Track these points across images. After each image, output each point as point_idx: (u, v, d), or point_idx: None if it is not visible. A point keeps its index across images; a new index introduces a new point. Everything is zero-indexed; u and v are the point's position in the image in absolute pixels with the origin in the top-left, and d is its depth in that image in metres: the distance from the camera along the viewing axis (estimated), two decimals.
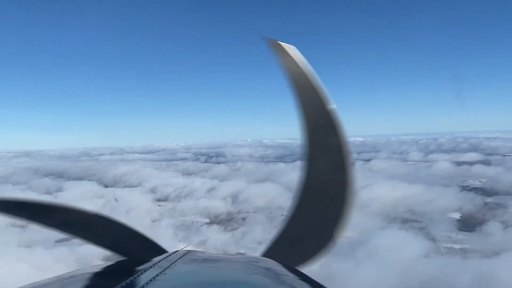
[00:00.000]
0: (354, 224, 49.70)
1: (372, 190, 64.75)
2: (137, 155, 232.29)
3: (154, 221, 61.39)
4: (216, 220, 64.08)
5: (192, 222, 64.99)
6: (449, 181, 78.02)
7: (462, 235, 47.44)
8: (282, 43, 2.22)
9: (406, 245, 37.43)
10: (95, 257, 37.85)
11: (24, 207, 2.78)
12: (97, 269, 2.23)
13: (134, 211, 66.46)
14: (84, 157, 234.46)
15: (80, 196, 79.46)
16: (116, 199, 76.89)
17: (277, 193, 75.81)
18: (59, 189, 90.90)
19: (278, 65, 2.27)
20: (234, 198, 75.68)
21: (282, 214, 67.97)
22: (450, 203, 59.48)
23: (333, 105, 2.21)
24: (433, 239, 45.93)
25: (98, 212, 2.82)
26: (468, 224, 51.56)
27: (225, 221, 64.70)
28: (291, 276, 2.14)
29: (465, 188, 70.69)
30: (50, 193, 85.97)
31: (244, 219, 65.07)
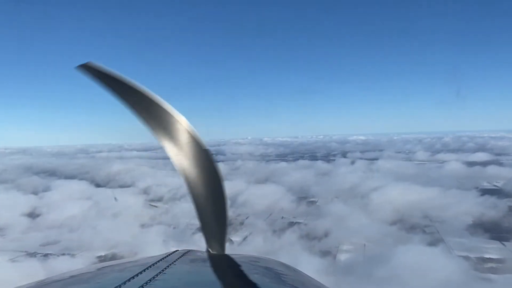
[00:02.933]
0: (368, 233, 44.39)
1: (384, 193, 59.80)
2: (135, 152, 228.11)
3: (143, 225, 56.27)
4: None
5: (187, 225, 60.28)
6: (465, 183, 72.86)
7: (494, 245, 41.69)
8: (97, 65, 2.05)
9: (432, 261, 31.95)
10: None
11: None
12: (96, 269, 2.24)
13: (123, 214, 61.43)
14: (81, 154, 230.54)
15: (68, 196, 74.53)
16: (116, 198, 72.32)
17: (279, 194, 71.03)
18: (47, 188, 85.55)
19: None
20: (233, 200, 70.54)
21: (282, 217, 63.26)
22: (472, 208, 54.03)
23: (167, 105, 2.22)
24: (462, 250, 40.19)
25: None
26: (497, 231, 45.89)
27: None
28: (291, 275, 2.12)
29: (484, 191, 65.18)
30: (36, 193, 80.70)
31: (242, 223, 60.09)
